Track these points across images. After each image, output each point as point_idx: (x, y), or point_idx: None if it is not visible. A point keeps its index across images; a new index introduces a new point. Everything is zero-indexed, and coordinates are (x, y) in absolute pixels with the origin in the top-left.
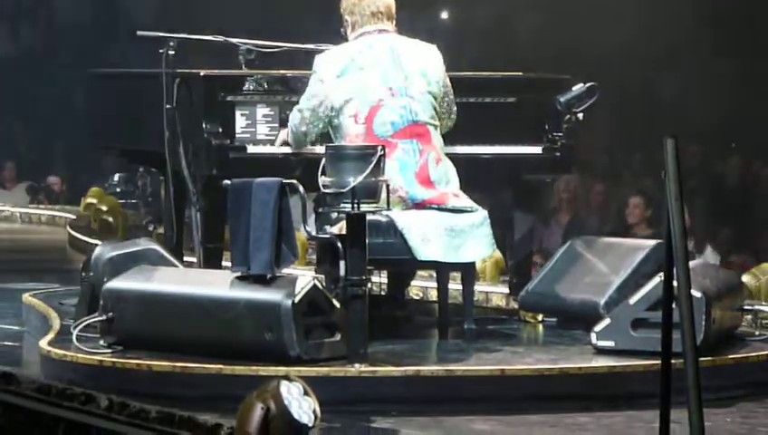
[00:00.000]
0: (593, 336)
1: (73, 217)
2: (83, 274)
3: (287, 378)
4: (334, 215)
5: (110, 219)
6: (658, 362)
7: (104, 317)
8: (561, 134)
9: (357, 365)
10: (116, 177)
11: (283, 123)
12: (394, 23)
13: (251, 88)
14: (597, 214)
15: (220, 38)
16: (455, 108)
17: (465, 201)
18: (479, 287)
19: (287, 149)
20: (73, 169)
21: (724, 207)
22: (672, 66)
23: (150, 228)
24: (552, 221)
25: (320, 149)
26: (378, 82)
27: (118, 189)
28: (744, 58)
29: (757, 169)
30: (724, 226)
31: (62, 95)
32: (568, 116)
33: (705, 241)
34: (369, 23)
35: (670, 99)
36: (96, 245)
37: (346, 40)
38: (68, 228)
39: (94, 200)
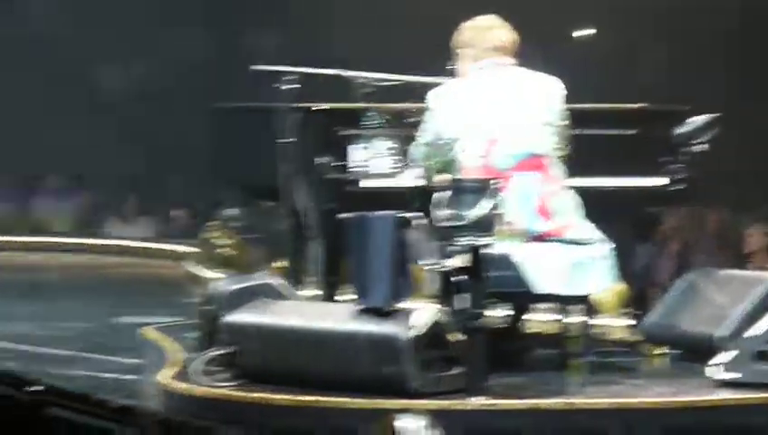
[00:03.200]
0: (716, 368)
1: (193, 250)
2: (203, 307)
3: (408, 412)
4: (453, 248)
5: (230, 253)
6: None
7: (225, 351)
8: (682, 166)
9: (477, 398)
10: (236, 210)
11: (401, 157)
12: (514, 56)
13: (367, 122)
14: (711, 243)
15: (336, 72)
16: (569, 139)
17: (586, 232)
18: (600, 320)
19: (403, 182)
20: (193, 203)
21: None
22: None
23: (270, 262)
24: (664, 251)
25: (438, 182)
26: (495, 115)
27: (237, 223)
28: None
29: None
30: None
31: (183, 129)
32: (689, 147)
33: None
34: (488, 56)
35: None
36: (215, 278)
37: (454, 74)
38: (187, 262)
39: (213, 234)
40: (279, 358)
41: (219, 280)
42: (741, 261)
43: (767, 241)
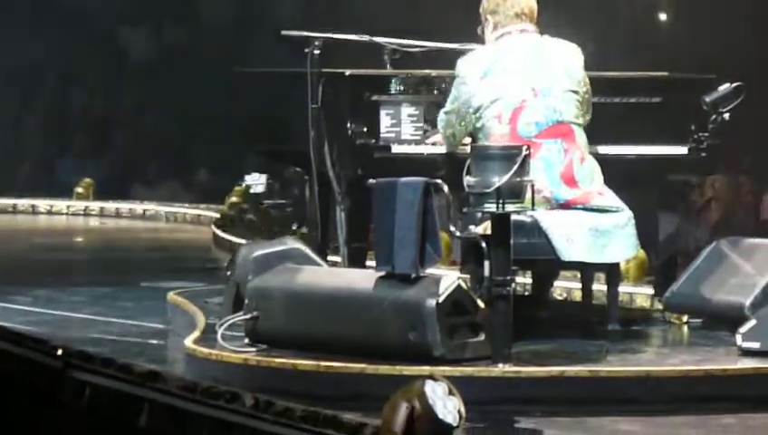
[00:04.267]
0: (739, 338)
1: (218, 215)
2: (228, 272)
3: (432, 378)
4: (479, 215)
5: (255, 218)
6: None
7: (249, 316)
8: (707, 134)
9: (501, 365)
10: (261, 176)
11: (429, 123)
12: (535, 23)
13: (396, 88)
14: (747, 213)
15: (365, 38)
16: (591, 106)
17: (610, 200)
18: (623, 288)
19: (432, 149)
20: (218, 168)
21: None
22: None
23: (295, 227)
24: (701, 221)
25: (465, 149)
26: (521, 83)
27: (262, 188)
28: None
29: None
30: None
31: (206, 94)
32: (714, 116)
33: None
34: (512, 23)
35: None
36: (241, 244)
37: (483, 39)
38: (213, 227)
39: (238, 199)
40: (303, 324)
41: (244, 245)
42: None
43: None
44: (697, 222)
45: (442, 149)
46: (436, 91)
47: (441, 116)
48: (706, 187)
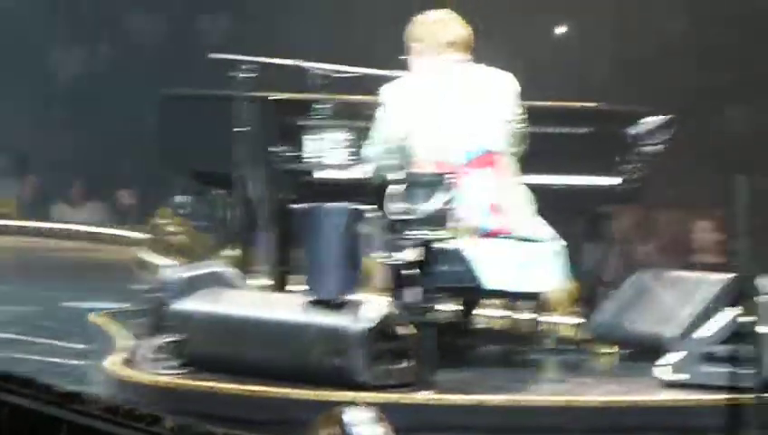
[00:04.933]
0: (662, 369)
1: (142, 236)
2: (151, 294)
3: (355, 404)
4: (404, 241)
5: (179, 240)
6: (727, 396)
7: (172, 339)
8: (635, 165)
9: (425, 392)
10: (186, 197)
11: (355, 149)
12: (469, 51)
13: (323, 113)
14: (658, 244)
15: (294, 62)
16: (526, 136)
17: (538, 230)
18: (548, 317)
19: (357, 175)
20: (143, 189)
21: None
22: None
23: (220, 250)
24: (615, 250)
25: (391, 176)
26: (449, 112)
27: (187, 210)
28: None
29: None
30: None
31: (133, 114)
32: (643, 148)
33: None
34: (441, 51)
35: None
36: (164, 265)
37: (408, 67)
38: (137, 248)
39: (163, 220)
40: (227, 347)
41: (169, 267)
42: (687, 262)
43: (715, 238)
44: (622, 253)
45: (367, 175)
46: (362, 118)
47: (367, 148)
48: (632, 217)
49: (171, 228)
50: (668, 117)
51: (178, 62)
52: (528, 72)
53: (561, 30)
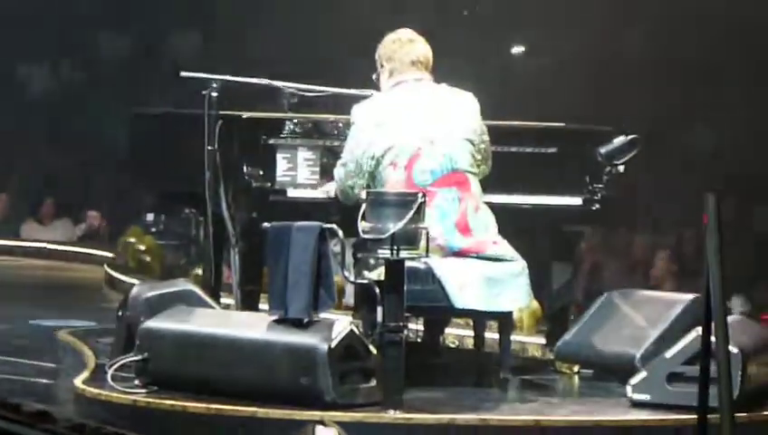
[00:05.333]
0: (629, 389)
1: (111, 255)
2: (120, 313)
3: (322, 423)
4: (373, 260)
5: (148, 259)
6: (694, 416)
7: (140, 357)
8: (601, 186)
9: (392, 412)
10: (155, 216)
11: (325, 168)
12: (430, 71)
13: (293, 131)
14: (623, 265)
15: (264, 81)
16: (491, 155)
17: (503, 249)
18: (516, 337)
19: (327, 194)
20: (112, 207)
21: (759, 261)
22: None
23: (188, 269)
24: (583, 270)
25: (361, 195)
26: (417, 131)
27: (156, 229)
28: None
29: None
30: (760, 279)
31: (103, 132)
32: (608, 168)
33: (732, 294)
34: (408, 70)
35: (708, 150)
36: (133, 284)
37: (378, 85)
38: (105, 267)
39: (132, 239)
40: (195, 366)
41: (137, 285)
42: (648, 285)
43: (674, 268)
44: (590, 273)
45: (338, 194)
46: (333, 136)
47: (338, 169)
48: (599, 238)
49: (141, 247)
50: (634, 136)
51: (149, 80)
52: (491, 92)
53: (522, 50)
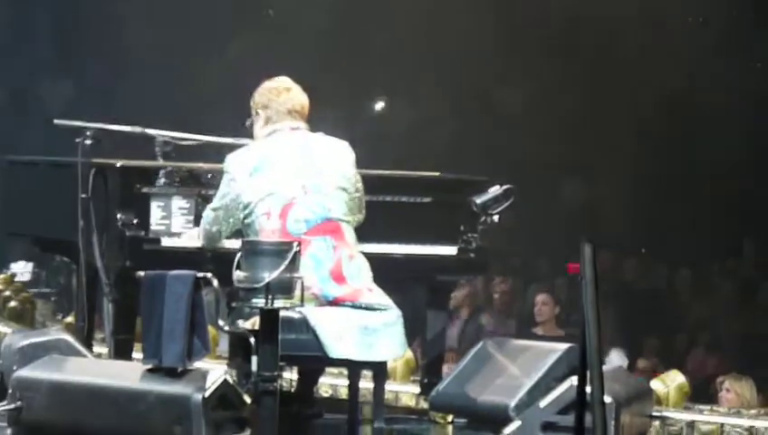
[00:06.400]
0: None
1: None
2: None
3: None
4: (247, 310)
5: (19, 307)
6: None
7: (13, 406)
8: (476, 235)
9: None
10: (27, 264)
11: (200, 216)
12: (306, 120)
13: (167, 180)
14: (501, 312)
15: (137, 129)
16: (364, 204)
17: (378, 297)
18: (390, 386)
19: (191, 238)
20: None
21: (633, 313)
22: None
23: (60, 317)
24: (458, 319)
25: (235, 244)
26: (291, 180)
27: (27, 277)
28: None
29: (669, 274)
30: (634, 331)
31: None
32: (483, 218)
33: (610, 345)
34: (284, 119)
35: (581, 202)
36: (4, 332)
37: (251, 133)
38: None
39: (2, 287)
40: (68, 415)
41: (9, 334)
42: (526, 330)
43: (557, 310)
44: (464, 321)
45: (211, 243)
46: (208, 185)
47: (208, 212)
48: (474, 287)
49: (10, 295)
50: (508, 187)
51: (21, 127)
52: (366, 142)
53: (392, 102)
